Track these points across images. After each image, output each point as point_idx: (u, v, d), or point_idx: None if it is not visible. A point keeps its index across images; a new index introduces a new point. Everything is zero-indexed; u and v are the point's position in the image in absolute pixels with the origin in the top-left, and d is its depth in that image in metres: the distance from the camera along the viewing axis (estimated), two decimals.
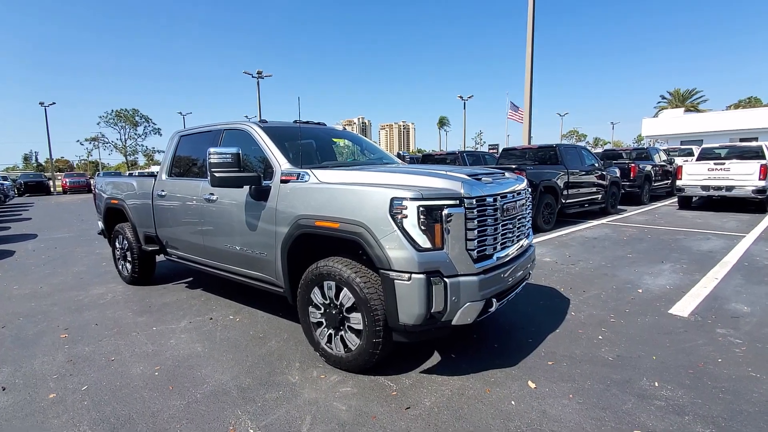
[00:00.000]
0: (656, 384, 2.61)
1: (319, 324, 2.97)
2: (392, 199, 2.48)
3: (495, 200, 2.76)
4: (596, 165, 10.02)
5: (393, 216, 2.47)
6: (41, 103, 40.72)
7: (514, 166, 8.11)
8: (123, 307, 4.45)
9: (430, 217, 2.46)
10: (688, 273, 5.09)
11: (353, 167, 3.39)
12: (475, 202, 2.58)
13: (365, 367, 2.78)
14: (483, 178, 2.86)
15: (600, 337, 3.33)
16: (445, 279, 2.47)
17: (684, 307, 3.92)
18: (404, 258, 2.43)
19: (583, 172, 9.45)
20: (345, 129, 4.70)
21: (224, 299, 4.60)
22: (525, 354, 3.07)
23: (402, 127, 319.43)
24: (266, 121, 3.83)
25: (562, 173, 8.76)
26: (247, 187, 3.32)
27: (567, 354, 3.05)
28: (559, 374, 2.77)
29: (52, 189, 32.39)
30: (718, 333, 3.34)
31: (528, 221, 3.37)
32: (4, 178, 27.11)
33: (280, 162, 3.31)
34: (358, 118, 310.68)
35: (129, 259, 5.25)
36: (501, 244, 2.85)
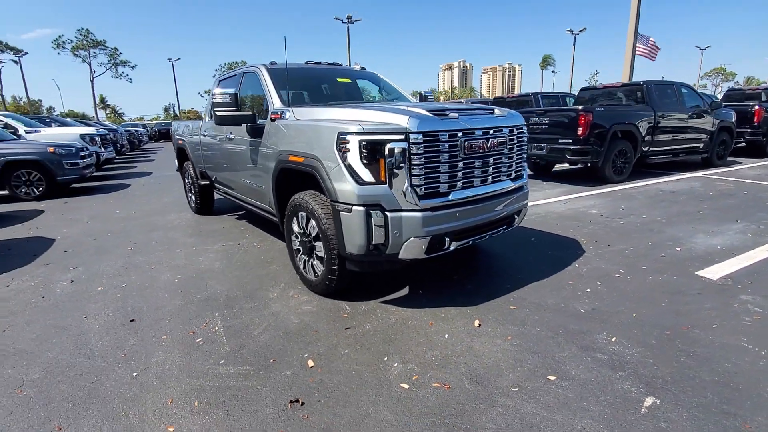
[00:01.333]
0: (613, 339, 2.41)
1: (298, 251, 3.27)
2: (338, 134, 2.56)
3: (453, 136, 2.64)
4: (700, 107, 8.32)
5: (339, 150, 2.55)
6: (169, 59, 46.49)
7: (580, 108, 7.19)
8: (181, 231, 5.33)
9: (373, 152, 2.49)
10: (759, 235, 4.23)
11: (332, 105, 3.45)
12: (421, 138, 2.52)
13: (328, 291, 3.05)
14: (451, 114, 2.73)
15: (588, 290, 3.08)
16: (386, 213, 2.52)
17: (718, 270, 3.36)
18: (347, 190, 2.54)
19: (679, 115, 7.97)
20: (364, 70, 4.69)
21: (258, 229, 5.21)
22: (492, 298, 3.02)
23: (507, 70, 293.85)
24: (275, 63, 4.02)
25: (647, 116, 7.51)
26: (244, 126, 3.63)
27: (536, 302, 2.92)
28: (513, 318, 2.70)
29: None
30: (738, 299, 2.85)
31: (515, 162, 3.14)
32: (141, 126, 32.22)
33: (273, 101, 3.53)
34: (459, 62, 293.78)
35: (192, 191, 6.16)
36: (463, 183, 2.76)
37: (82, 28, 45.87)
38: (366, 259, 2.70)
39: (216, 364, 2.32)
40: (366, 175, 2.52)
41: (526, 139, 3.24)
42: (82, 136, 10.87)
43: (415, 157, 2.51)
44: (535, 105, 10.00)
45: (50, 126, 12.81)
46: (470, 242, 2.92)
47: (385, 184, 2.52)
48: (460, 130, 2.67)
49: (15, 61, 43.13)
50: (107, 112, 70.30)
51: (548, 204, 5.97)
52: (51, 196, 8.26)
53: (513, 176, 3.16)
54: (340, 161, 2.55)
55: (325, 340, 2.53)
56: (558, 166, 9.40)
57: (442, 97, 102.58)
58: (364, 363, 2.28)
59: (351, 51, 35.56)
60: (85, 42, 45.80)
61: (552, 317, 2.70)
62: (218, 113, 3.47)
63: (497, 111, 3.11)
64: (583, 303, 2.88)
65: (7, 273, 3.95)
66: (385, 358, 2.32)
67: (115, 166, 14.61)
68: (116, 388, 2.13)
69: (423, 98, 4.66)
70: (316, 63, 4.33)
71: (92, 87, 47.65)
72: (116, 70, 48.74)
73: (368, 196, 2.52)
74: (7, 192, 7.95)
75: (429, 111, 2.68)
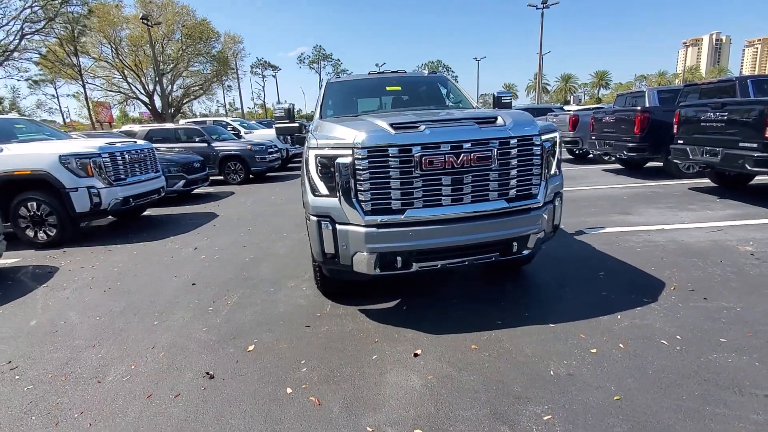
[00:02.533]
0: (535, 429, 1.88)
1: None
2: (305, 149, 2.78)
3: (406, 151, 2.47)
4: None
5: (306, 164, 2.77)
6: (376, 65, 52.57)
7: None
8: (296, 218, 6.41)
9: (327, 166, 2.61)
10: None
11: (346, 119, 3.53)
12: (366, 153, 2.47)
13: (322, 291, 3.33)
14: (421, 126, 2.56)
15: (594, 351, 2.37)
16: (336, 225, 2.61)
17: None
18: (307, 201, 2.75)
19: None
20: (432, 73, 4.56)
21: None
22: (466, 330, 2.68)
23: None
24: (339, 76, 4.41)
25: None
26: None
27: (508, 347, 2.45)
28: (459, 359, 2.38)
29: None
30: None
31: (515, 179, 2.64)
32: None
33: (316, 114, 3.95)
34: (710, 35, 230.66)
35: None
36: (424, 201, 2.55)
37: (317, 45, 57.18)
38: (329, 267, 2.84)
39: (200, 329, 2.94)
40: (322, 187, 2.66)
41: (538, 150, 2.68)
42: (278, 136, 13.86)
43: (360, 172, 2.50)
44: (740, 93, 7.22)
45: (268, 128, 16.74)
46: (438, 265, 2.68)
47: (336, 197, 2.60)
48: (416, 145, 2.48)
49: (273, 76, 57.38)
50: None
51: (683, 230, 4.49)
52: (248, 182, 11.00)
53: (510, 196, 2.68)
54: (304, 173, 2.77)
55: (280, 331, 2.84)
56: (761, 179, 6.73)
57: (677, 81, 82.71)
58: (285, 359, 2.49)
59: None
60: (318, 56, 57.06)
61: (504, 371, 2.25)
62: (276, 125, 4.11)
63: (500, 119, 2.69)
64: (565, 366, 2.26)
65: (174, 236, 5.68)
66: (303, 361, 2.46)
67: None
68: (138, 330, 3.00)
69: (496, 100, 4.26)
70: (379, 72, 4.51)
71: (319, 92, 59.07)
72: (337, 77, 59.13)
73: (320, 208, 2.66)
74: (221, 178, 11.02)
75: (393, 124, 2.59)
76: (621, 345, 2.42)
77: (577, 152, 11.36)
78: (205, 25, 35.18)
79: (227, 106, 53.56)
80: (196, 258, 4.63)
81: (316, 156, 2.65)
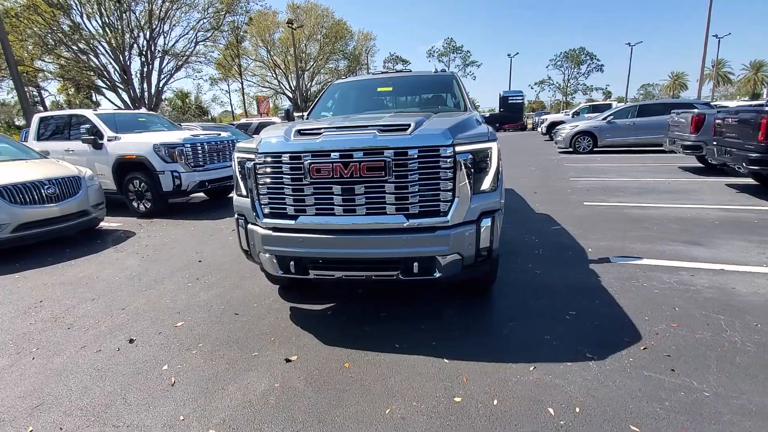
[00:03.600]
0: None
1: None
2: (236, 150, 2.97)
3: (296, 158, 2.45)
4: None
5: (233, 163, 2.97)
6: (508, 55, 49.98)
7: None
8: None
9: (242, 167, 2.77)
10: None
11: (293, 123, 3.53)
12: (263, 158, 2.53)
13: (272, 282, 3.53)
14: (325, 132, 2.51)
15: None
16: (248, 224, 2.77)
17: None
18: (233, 199, 2.95)
19: None
20: (442, 71, 4.24)
21: None
22: (348, 341, 2.56)
23: None
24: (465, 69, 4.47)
25: None
26: None
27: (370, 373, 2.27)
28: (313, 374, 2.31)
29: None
30: None
31: (416, 194, 2.37)
32: None
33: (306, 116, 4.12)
34: None
35: None
36: (317, 209, 2.50)
37: (448, 38, 56.71)
38: (252, 261, 3.01)
39: (167, 301, 3.44)
40: (241, 187, 2.83)
41: (447, 163, 2.35)
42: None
43: (259, 176, 2.59)
44: None
45: None
46: (335, 276, 2.60)
47: (249, 198, 2.74)
48: (307, 152, 2.44)
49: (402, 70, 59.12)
50: None
51: (754, 274, 3.31)
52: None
53: (411, 212, 2.42)
54: (233, 174, 2.97)
55: (210, 315, 3.13)
56: None
57: None
58: (186, 340, 2.77)
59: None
60: (448, 49, 56.66)
61: (345, 398, 2.12)
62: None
63: (412, 127, 2.44)
64: (407, 408, 2.01)
65: (231, 218, 6.56)
66: (200, 345, 2.71)
67: None
68: (129, 293, 3.66)
69: (502, 101, 3.81)
70: (383, 72, 4.39)
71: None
72: (465, 70, 57.65)
73: (238, 206, 2.84)
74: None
75: (300, 130, 2.59)
76: (495, 401, 2.03)
77: (710, 161, 9.06)
78: (342, 25, 38.12)
79: None
80: (226, 238, 5.30)
81: (236, 157, 2.82)
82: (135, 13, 23.36)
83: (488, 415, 1.94)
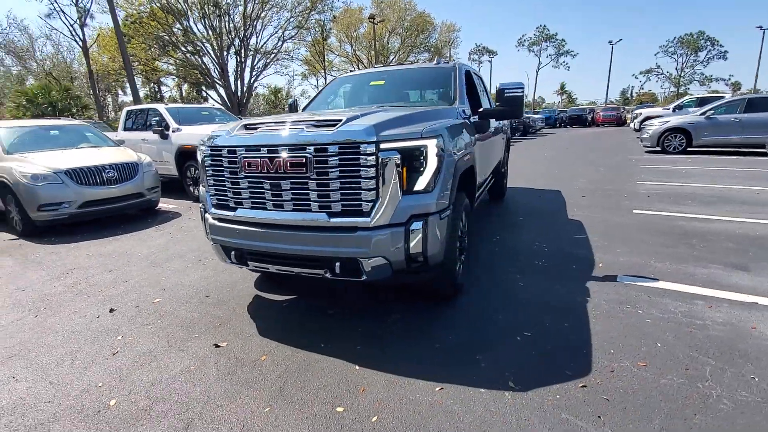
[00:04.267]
0: None
1: None
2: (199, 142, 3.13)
3: (232, 152, 2.51)
4: None
5: None
6: (609, 42, 45.17)
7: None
8: None
9: (199, 160, 2.92)
10: None
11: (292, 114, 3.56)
12: (208, 151, 2.64)
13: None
14: (262, 128, 2.54)
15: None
16: (205, 213, 2.93)
17: None
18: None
19: None
20: (443, 64, 3.96)
21: None
22: (283, 335, 2.57)
23: None
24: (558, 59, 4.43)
25: None
26: None
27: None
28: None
29: (588, 121, 37.15)
30: None
31: (337, 192, 2.28)
32: (535, 112, 34.95)
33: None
34: None
35: None
36: (252, 202, 2.54)
37: (541, 25, 52.85)
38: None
39: (167, 278, 3.80)
40: (202, 178, 3.00)
41: (368, 161, 2.22)
42: None
43: (206, 168, 2.72)
44: None
45: None
46: (270, 269, 2.63)
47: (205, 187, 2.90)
48: (240, 147, 2.49)
49: (489, 61, 56.72)
50: (563, 97, 78.07)
51: None
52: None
53: (333, 210, 2.34)
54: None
55: (183, 295, 3.38)
56: None
57: None
58: (148, 314, 3.04)
59: None
60: (540, 38, 52.83)
61: (233, 386, 2.15)
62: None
63: (347, 121, 2.35)
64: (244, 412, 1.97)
65: None
66: (159, 320, 2.95)
67: None
68: (146, 269, 4.12)
69: (498, 94, 3.49)
70: (383, 65, 4.24)
71: (536, 78, 54.83)
72: (557, 60, 53.28)
73: (199, 196, 3.01)
74: None
75: (246, 125, 2.65)
76: (375, 418, 1.89)
77: None
78: (425, 17, 37.76)
79: None
80: None
81: (198, 150, 2.99)
82: (230, 17, 25.73)
83: (358, 430, 1.83)
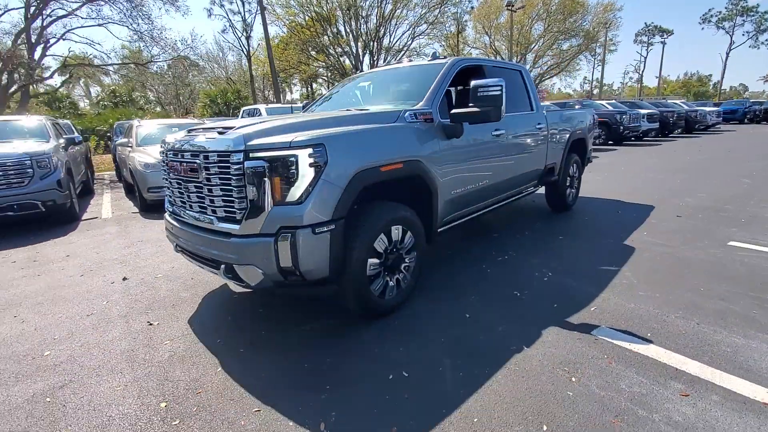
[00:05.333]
0: None
1: None
2: None
3: (164, 155, 2.79)
4: None
5: None
6: None
7: None
8: None
9: None
10: None
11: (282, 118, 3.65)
12: (161, 154, 2.98)
13: None
14: (189, 134, 2.77)
15: None
16: None
17: None
18: None
19: None
20: (437, 60, 3.52)
21: None
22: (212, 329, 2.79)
23: None
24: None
25: None
26: None
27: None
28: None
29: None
30: None
31: (219, 197, 2.34)
32: (716, 104, 28.04)
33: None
34: None
35: None
36: (180, 202, 2.80)
37: None
38: None
39: (166, 260, 4.47)
40: None
41: (235, 170, 2.22)
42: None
43: (162, 169, 3.08)
44: None
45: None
46: (192, 263, 2.86)
47: None
48: (168, 151, 2.75)
49: (662, 42, 47.24)
50: None
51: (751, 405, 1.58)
52: None
53: (218, 215, 2.41)
54: None
55: (160, 281, 3.91)
56: None
57: None
58: (120, 290, 3.62)
59: None
60: (733, 12, 41.46)
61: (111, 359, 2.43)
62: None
63: (236, 129, 2.41)
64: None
65: None
66: (115, 299, 3.50)
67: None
68: (149, 256, 4.92)
69: (472, 92, 3.06)
70: (384, 65, 3.97)
71: (725, 60, 43.51)
72: (756, 38, 41.10)
73: None
74: None
75: (189, 129, 2.91)
76: (176, 421, 1.94)
77: None
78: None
79: (593, 84, 49.44)
80: None
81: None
82: (367, 19, 27.40)
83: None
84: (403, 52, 28.74)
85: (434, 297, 3.15)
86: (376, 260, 2.66)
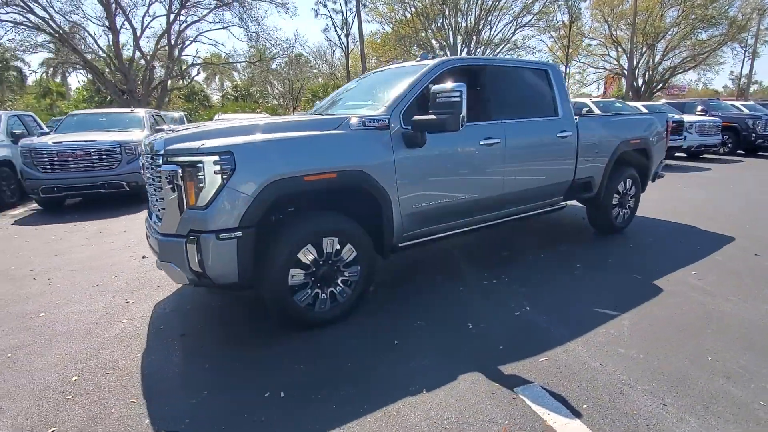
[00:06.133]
0: None
1: None
2: None
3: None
4: None
5: None
6: None
7: None
8: None
9: None
10: None
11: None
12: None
13: None
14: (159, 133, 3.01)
15: None
16: None
17: None
18: None
19: None
20: (428, 57, 3.20)
21: None
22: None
23: None
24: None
25: None
26: None
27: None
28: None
29: None
30: None
31: (161, 206, 2.50)
32: None
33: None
34: None
35: None
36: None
37: None
38: None
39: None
40: None
41: (154, 172, 2.35)
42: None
43: None
44: None
45: None
46: None
47: None
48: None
49: None
50: None
51: None
52: None
53: (156, 212, 2.58)
54: None
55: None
56: None
57: None
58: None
59: None
60: None
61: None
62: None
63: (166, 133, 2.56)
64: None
65: None
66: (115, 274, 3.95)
67: None
68: None
69: (431, 98, 2.80)
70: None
71: None
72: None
73: None
74: None
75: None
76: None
77: None
78: None
79: (741, 80, 40.51)
80: None
81: None
82: (463, 13, 26.50)
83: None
84: (502, 46, 27.20)
85: (381, 315, 2.96)
86: (300, 271, 2.60)
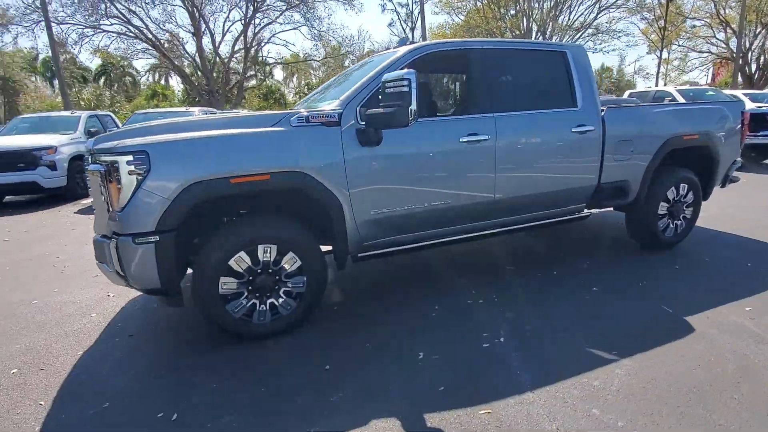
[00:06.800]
0: None
1: None
2: None
3: None
4: None
5: None
6: None
7: None
8: None
9: None
10: None
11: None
12: None
13: None
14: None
15: None
16: None
17: None
18: None
19: None
20: (406, 43, 2.77)
21: None
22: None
23: None
24: None
25: None
26: None
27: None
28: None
29: None
30: None
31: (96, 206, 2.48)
32: None
33: None
34: None
35: None
36: None
37: None
38: None
39: None
40: None
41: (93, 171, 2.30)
42: None
43: None
44: None
45: None
46: None
47: None
48: None
49: None
50: None
51: None
52: None
53: None
54: None
55: None
56: None
57: None
58: None
59: None
60: None
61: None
62: None
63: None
64: None
65: None
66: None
67: None
68: None
69: (382, 87, 2.45)
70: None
71: None
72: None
73: None
74: None
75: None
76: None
77: None
78: None
79: None
80: None
81: None
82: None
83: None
84: (582, 31, 24.73)
85: (331, 331, 2.68)
86: (232, 279, 2.41)
